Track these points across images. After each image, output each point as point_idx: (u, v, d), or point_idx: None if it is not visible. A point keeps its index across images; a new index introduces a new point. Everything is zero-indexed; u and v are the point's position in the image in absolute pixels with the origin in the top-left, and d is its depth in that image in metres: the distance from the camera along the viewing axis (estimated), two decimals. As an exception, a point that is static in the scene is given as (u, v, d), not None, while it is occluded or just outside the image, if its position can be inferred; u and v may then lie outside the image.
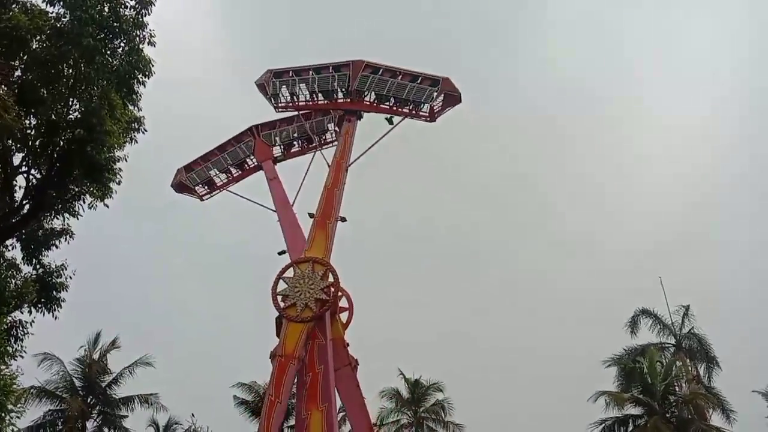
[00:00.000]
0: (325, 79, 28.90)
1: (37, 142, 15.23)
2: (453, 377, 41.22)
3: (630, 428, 30.57)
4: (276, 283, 22.93)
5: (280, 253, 25.87)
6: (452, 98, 28.20)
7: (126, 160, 15.94)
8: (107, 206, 16.14)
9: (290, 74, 29.42)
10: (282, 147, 30.69)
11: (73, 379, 34.21)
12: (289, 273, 23.85)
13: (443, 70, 28.84)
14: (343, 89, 28.87)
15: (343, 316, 25.60)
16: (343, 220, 26.37)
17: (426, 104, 28.37)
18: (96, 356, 35.08)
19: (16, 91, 14.24)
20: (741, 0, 78.70)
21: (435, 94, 28.06)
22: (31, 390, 31.30)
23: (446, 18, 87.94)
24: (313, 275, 22.87)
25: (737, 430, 29.72)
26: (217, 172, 30.67)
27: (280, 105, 29.72)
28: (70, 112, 15.16)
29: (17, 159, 15.58)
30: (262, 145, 30.06)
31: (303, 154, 30.70)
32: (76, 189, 15.72)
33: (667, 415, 30.16)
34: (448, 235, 73.03)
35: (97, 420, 34.69)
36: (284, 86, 29.45)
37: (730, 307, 48.53)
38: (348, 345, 24.06)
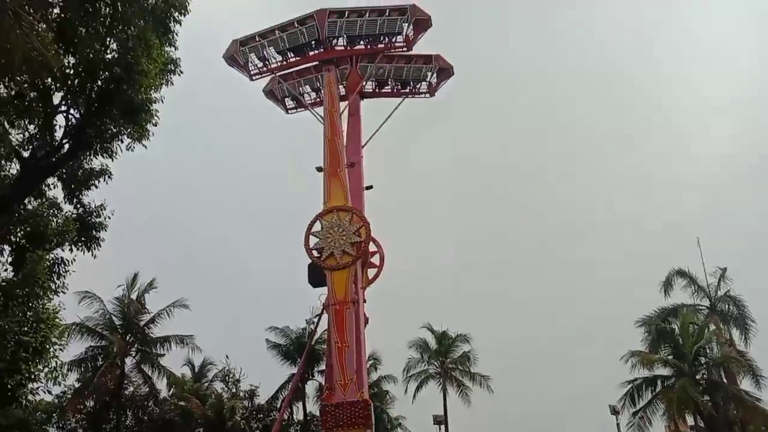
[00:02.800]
0: (293, 35, 28.36)
1: (76, 82, 15.35)
2: (479, 330, 41.66)
3: (658, 388, 30.47)
4: (307, 239, 23.25)
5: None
6: (423, 23, 28.23)
7: (162, 102, 16.04)
8: (145, 147, 16.35)
9: (256, 39, 28.87)
10: (375, 84, 30.53)
11: (113, 317, 35.45)
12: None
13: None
14: (314, 41, 28.45)
15: (371, 272, 26.07)
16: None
17: (399, 35, 28.36)
18: (134, 296, 36.20)
19: (55, 29, 14.26)
20: None
21: (405, 23, 27.96)
22: (73, 326, 32.60)
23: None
24: (341, 222, 23.05)
25: (768, 396, 29.33)
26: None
27: (253, 74, 29.41)
28: (108, 51, 15.20)
29: (57, 98, 15.78)
30: (355, 76, 29.58)
31: (392, 97, 30.66)
32: (114, 129, 15.91)
33: (697, 377, 29.95)
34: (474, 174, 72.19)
35: (136, 357, 36.06)
36: (253, 53, 29.01)
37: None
38: (365, 302, 24.46)
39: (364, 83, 29.83)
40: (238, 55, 28.86)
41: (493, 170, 72.42)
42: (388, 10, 28.23)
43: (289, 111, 31.32)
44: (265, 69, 29.52)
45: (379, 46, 28.79)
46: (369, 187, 27.27)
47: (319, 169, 25.57)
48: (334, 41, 28.57)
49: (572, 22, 79.50)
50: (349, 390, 19.60)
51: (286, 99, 31.15)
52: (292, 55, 29.13)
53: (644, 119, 78.17)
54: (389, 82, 30.65)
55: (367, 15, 28.24)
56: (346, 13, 28.42)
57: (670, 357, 30.64)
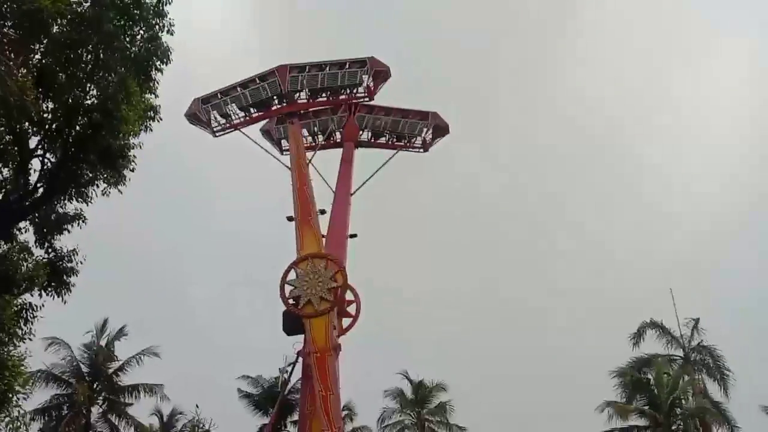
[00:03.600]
0: (255, 91, 29.23)
1: (54, 126, 15.32)
2: (456, 377, 41.25)
3: (634, 440, 30.38)
4: (282, 288, 23.26)
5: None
6: (382, 74, 29.24)
7: (140, 148, 16.05)
8: (120, 192, 16.24)
9: (218, 96, 29.62)
10: (370, 134, 31.23)
11: (80, 364, 34.44)
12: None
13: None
14: (276, 95, 29.13)
15: (345, 322, 25.99)
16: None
17: (360, 86, 29.24)
18: (103, 343, 35.29)
19: (35, 74, 14.33)
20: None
21: (365, 75, 28.94)
22: (39, 373, 31.56)
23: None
24: (316, 269, 23.14)
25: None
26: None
27: (216, 130, 29.89)
28: (87, 97, 15.25)
29: (33, 142, 15.70)
30: (352, 125, 30.13)
31: (386, 148, 31.48)
32: (90, 174, 15.81)
33: (673, 428, 29.95)
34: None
35: (103, 406, 34.92)
36: (215, 110, 29.59)
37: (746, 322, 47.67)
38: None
39: (361, 132, 30.49)
40: (200, 112, 29.30)
41: (483, 212, 73.04)
42: (348, 63, 29.18)
43: (284, 152, 31.55)
44: (227, 125, 29.92)
45: (341, 97, 29.57)
46: (353, 236, 27.41)
47: (290, 219, 25.77)
48: (296, 95, 29.20)
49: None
50: None
51: (282, 140, 31.45)
52: (255, 110, 29.62)
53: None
54: (385, 134, 31.32)
55: (327, 69, 29.13)
56: (307, 67, 29.26)
57: (646, 407, 30.66)
